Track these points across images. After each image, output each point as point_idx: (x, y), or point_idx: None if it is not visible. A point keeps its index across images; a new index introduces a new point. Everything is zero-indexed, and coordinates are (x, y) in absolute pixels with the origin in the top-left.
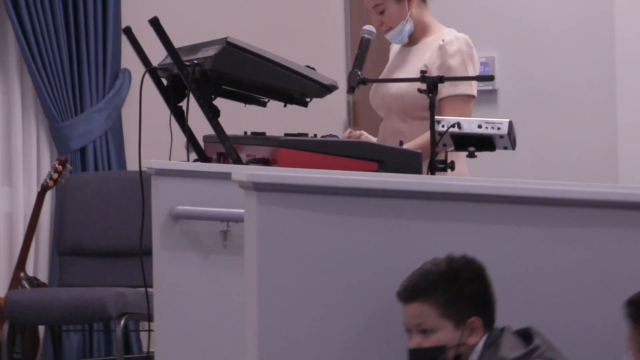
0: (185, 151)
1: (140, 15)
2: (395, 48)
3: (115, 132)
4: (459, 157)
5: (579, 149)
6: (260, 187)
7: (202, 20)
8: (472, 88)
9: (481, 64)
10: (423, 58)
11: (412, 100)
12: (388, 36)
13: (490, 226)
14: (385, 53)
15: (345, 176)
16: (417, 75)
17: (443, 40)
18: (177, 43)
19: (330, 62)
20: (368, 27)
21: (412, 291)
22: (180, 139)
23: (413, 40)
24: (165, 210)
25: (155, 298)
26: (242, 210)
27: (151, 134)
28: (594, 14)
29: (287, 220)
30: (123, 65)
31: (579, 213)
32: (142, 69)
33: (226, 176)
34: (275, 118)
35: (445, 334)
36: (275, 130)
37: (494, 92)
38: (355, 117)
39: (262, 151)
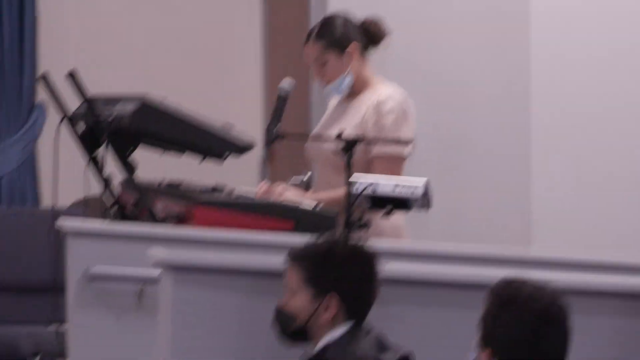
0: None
1: (58, 52)
2: (333, 101)
3: (30, 165)
4: None
5: (485, 195)
6: (175, 269)
7: (120, 66)
8: (403, 149)
9: None
10: (360, 113)
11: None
12: (327, 89)
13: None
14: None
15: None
16: (355, 129)
17: (379, 98)
18: (92, 85)
19: (247, 114)
20: (286, 81)
21: (292, 254)
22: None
23: (352, 94)
24: (80, 271)
25: (70, 348)
26: (155, 272)
27: (69, 168)
28: (511, 70)
29: (198, 296)
30: (39, 98)
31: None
32: None
33: (141, 237)
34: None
35: (302, 300)
36: (191, 169)
37: (410, 140)
38: (271, 162)
39: (177, 206)
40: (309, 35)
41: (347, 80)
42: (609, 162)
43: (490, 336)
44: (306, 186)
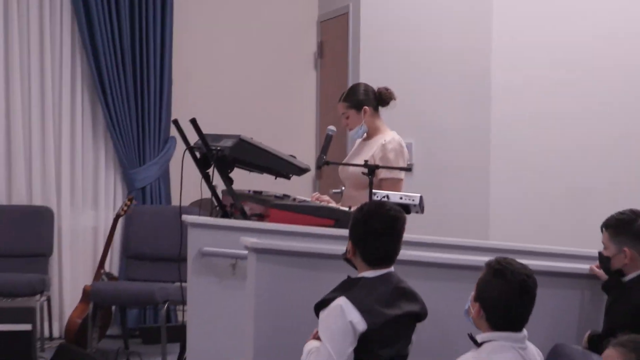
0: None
1: (184, 102)
2: (358, 140)
3: (165, 177)
4: None
5: (459, 205)
6: (257, 251)
7: (223, 113)
8: (401, 174)
9: None
10: (372, 151)
11: (361, 178)
12: (350, 134)
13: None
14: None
15: (311, 231)
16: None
17: (385, 140)
18: (205, 124)
19: (305, 148)
20: (331, 127)
21: None
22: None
23: (368, 136)
24: (196, 249)
25: (188, 298)
26: (244, 252)
27: (189, 180)
28: (474, 117)
29: (272, 269)
30: (171, 134)
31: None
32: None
33: (235, 228)
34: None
35: (348, 243)
36: (269, 182)
37: (410, 168)
38: (320, 179)
39: (259, 208)
40: (340, 97)
41: (362, 130)
42: (551, 177)
43: (482, 295)
44: (341, 196)
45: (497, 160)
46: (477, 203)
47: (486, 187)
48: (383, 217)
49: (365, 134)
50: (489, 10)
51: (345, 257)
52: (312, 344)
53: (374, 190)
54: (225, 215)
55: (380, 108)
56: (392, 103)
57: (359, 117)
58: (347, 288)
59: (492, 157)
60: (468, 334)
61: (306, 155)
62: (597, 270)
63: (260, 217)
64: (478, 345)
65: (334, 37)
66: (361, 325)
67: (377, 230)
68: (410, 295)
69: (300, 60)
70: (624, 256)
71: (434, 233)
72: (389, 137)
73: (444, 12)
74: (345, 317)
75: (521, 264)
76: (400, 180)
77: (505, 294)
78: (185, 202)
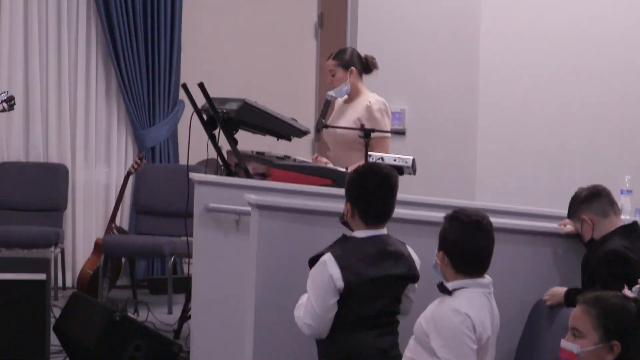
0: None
1: (192, 68)
2: (339, 102)
3: (173, 138)
4: None
5: (448, 167)
6: (260, 207)
7: (227, 77)
8: (388, 133)
9: (395, 113)
10: (356, 112)
11: (349, 138)
12: (332, 91)
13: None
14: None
15: (310, 190)
16: (352, 123)
17: (369, 102)
18: (211, 88)
19: (305, 112)
20: (331, 92)
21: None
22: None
23: (350, 98)
24: (202, 205)
25: (193, 251)
26: (248, 208)
27: (196, 140)
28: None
29: (274, 225)
30: (180, 97)
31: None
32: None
33: (239, 186)
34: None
35: (344, 205)
36: (271, 143)
37: (404, 131)
38: (319, 141)
39: (262, 167)
40: (329, 55)
41: (345, 88)
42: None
43: (444, 242)
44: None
45: (484, 120)
46: (464, 164)
47: (473, 147)
48: (377, 175)
49: (346, 95)
50: None
51: (342, 220)
52: (305, 296)
53: (369, 153)
54: (229, 174)
55: (362, 73)
56: (375, 72)
57: (345, 76)
58: (337, 245)
59: (480, 118)
60: (437, 284)
61: (306, 119)
62: (564, 228)
63: (263, 176)
64: (449, 293)
65: (334, 9)
66: (339, 281)
67: (372, 187)
68: (397, 258)
69: (302, 30)
70: (586, 224)
71: (424, 193)
72: (372, 99)
73: None
74: (327, 271)
75: (475, 209)
76: (387, 138)
77: (463, 234)
78: (193, 162)
